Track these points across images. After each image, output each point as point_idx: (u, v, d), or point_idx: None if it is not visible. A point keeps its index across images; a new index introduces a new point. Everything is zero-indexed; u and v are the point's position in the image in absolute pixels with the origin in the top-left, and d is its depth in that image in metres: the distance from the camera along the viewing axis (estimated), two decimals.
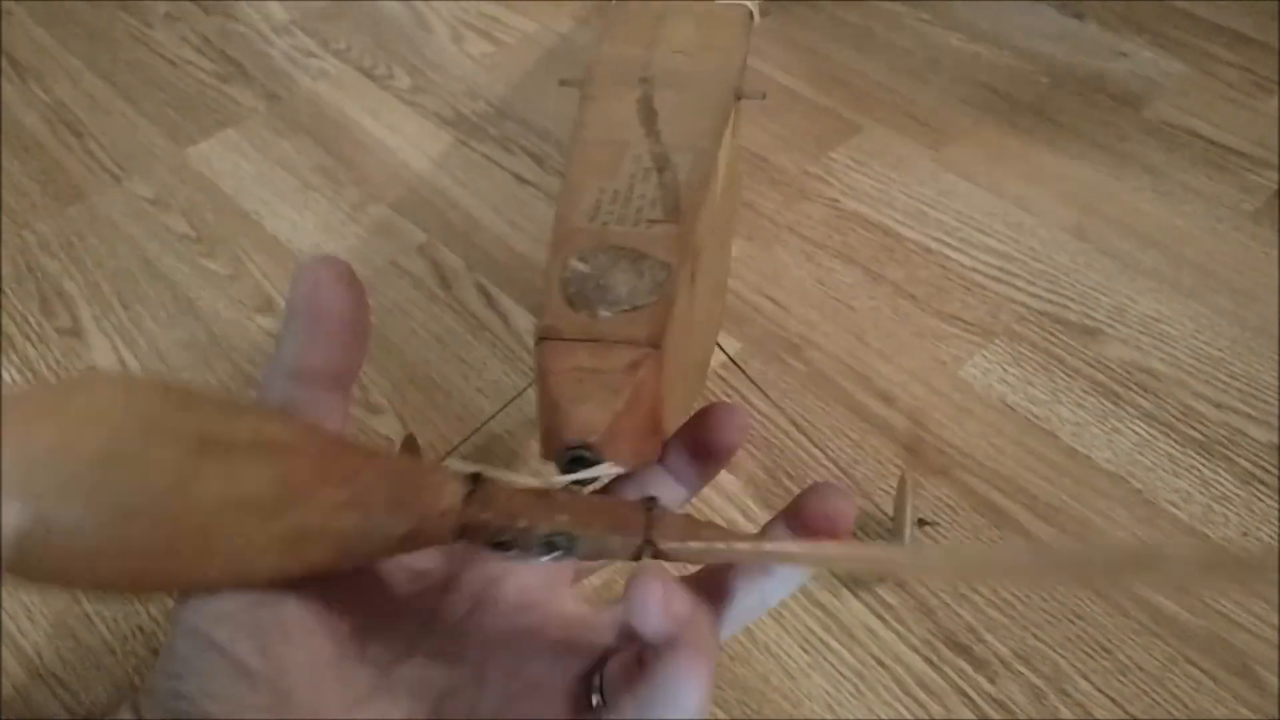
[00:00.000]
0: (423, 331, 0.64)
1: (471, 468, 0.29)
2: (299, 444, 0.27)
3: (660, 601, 0.26)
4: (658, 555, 0.28)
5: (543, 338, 0.33)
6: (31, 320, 0.64)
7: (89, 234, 0.70)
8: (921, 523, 0.53)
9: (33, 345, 0.63)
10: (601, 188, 0.39)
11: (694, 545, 0.28)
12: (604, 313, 0.33)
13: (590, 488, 0.30)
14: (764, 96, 0.50)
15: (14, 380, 0.61)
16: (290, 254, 0.68)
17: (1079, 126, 0.78)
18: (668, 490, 0.34)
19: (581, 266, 0.35)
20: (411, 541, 0.27)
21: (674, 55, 0.49)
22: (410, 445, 0.55)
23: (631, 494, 0.32)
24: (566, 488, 0.29)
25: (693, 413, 0.34)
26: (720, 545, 0.28)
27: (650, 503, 0.29)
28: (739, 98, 0.48)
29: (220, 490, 0.25)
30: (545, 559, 0.28)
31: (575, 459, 0.30)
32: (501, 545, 0.28)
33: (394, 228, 0.70)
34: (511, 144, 0.77)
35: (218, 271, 0.67)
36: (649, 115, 0.44)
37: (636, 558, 0.28)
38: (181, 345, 0.63)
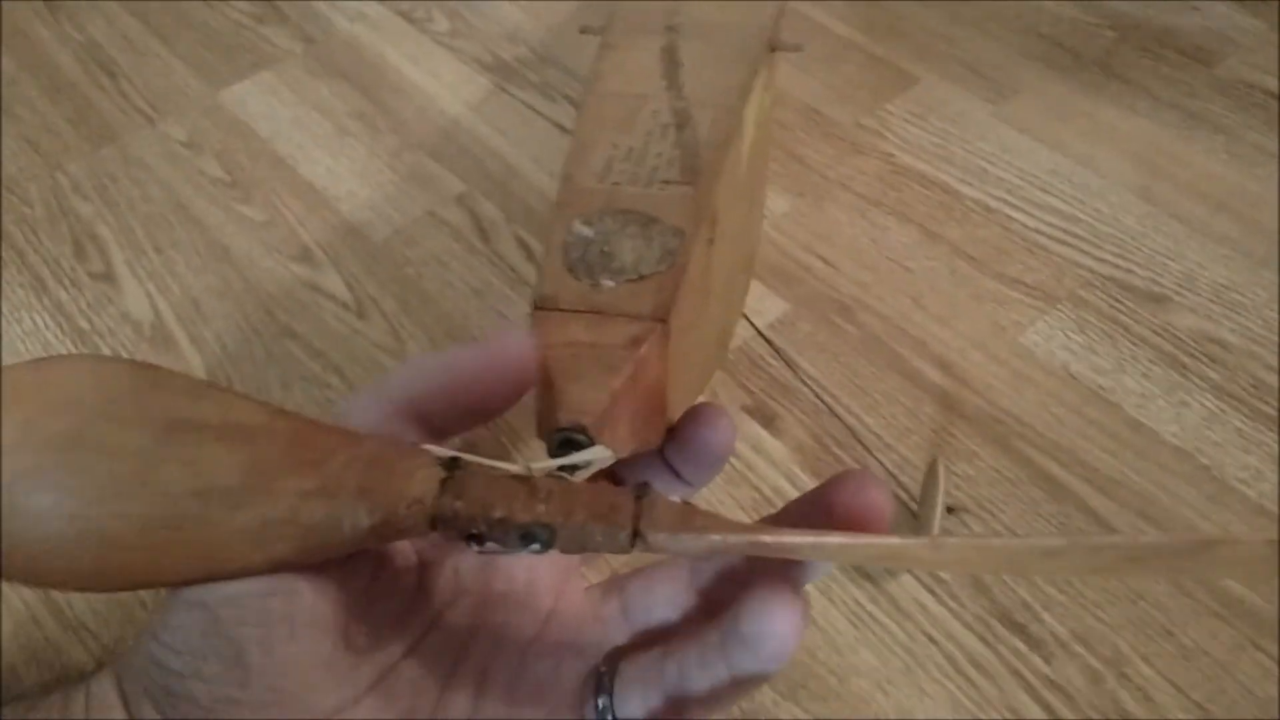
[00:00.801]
0: (460, 284, 0.62)
1: (450, 452, 0.26)
2: (269, 427, 0.25)
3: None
4: (646, 548, 0.25)
5: (537, 307, 0.30)
6: (64, 264, 0.63)
7: (121, 176, 0.68)
8: (951, 510, 0.51)
9: (65, 289, 0.61)
10: (614, 144, 0.37)
11: (686, 538, 0.25)
12: (607, 282, 0.31)
13: (582, 474, 0.27)
14: (800, 49, 0.46)
15: (46, 325, 0.59)
16: (325, 200, 0.66)
17: (1147, 83, 0.74)
18: (667, 487, 0.32)
19: (586, 230, 0.33)
20: (381, 533, 0.25)
21: (704, 2, 0.46)
22: None
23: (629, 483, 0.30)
24: (552, 474, 0.26)
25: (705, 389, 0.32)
26: (716, 538, 0.25)
27: (641, 490, 0.26)
28: (773, 49, 0.45)
29: (186, 477, 0.24)
30: (523, 551, 0.25)
31: (566, 442, 0.27)
32: (476, 537, 0.25)
33: (432, 177, 0.68)
34: (552, 91, 0.75)
35: (252, 217, 0.66)
36: (672, 66, 0.41)
37: (625, 550, 0.25)
38: (214, 292, 0.61)
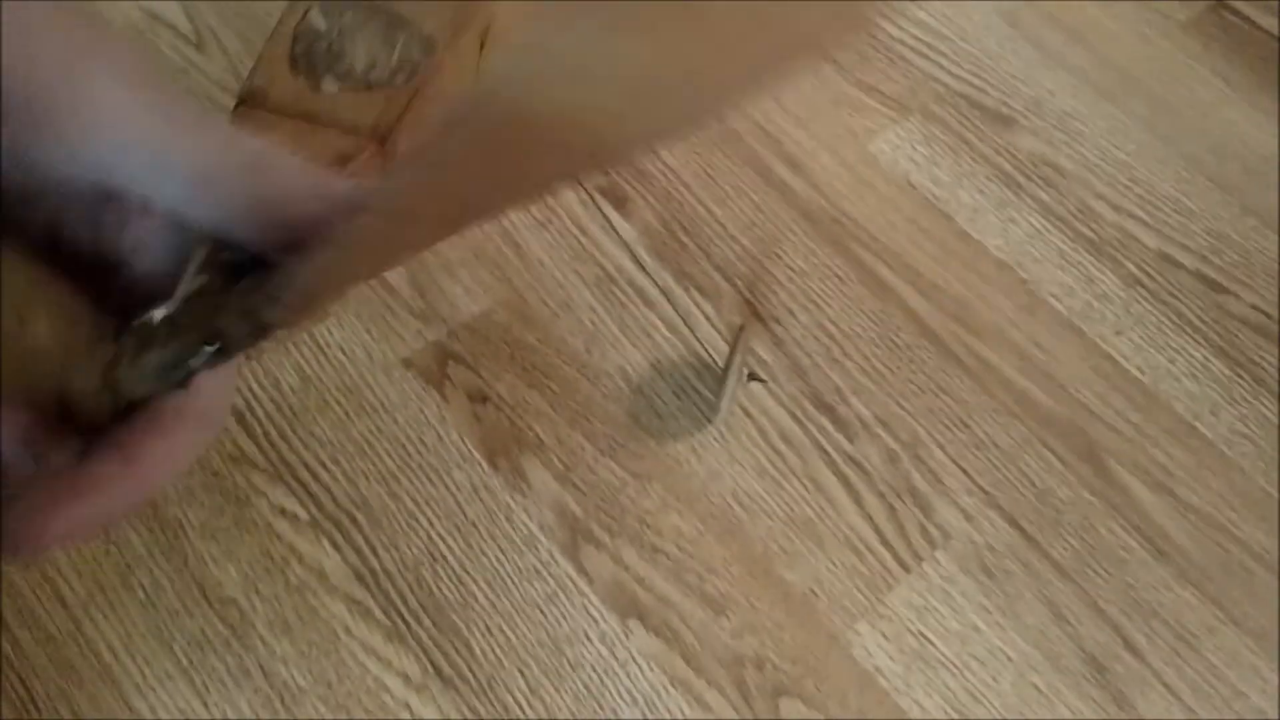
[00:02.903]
0: None
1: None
2: None
3: None
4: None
5: (241, 101, 0.28)
6: None
7: None
8: (752, 377, 0.52)
9: None
10: None
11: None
12: (329, 85, 0.28)
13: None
14: None
15: None
16: None
17: None
18: None
19: (319, 22, 0.30)
20: None
21: None
22: None
23: None
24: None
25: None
26: None
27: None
28: None
29: None
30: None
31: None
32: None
33: None
34: None
35: None
36: None
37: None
38: None
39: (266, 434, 0.47)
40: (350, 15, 0.30)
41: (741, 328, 0.51)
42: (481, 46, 0.33)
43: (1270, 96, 0.65)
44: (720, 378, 0.50)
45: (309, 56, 0.28)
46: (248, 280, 0.22)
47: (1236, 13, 0.69)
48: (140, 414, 0.22)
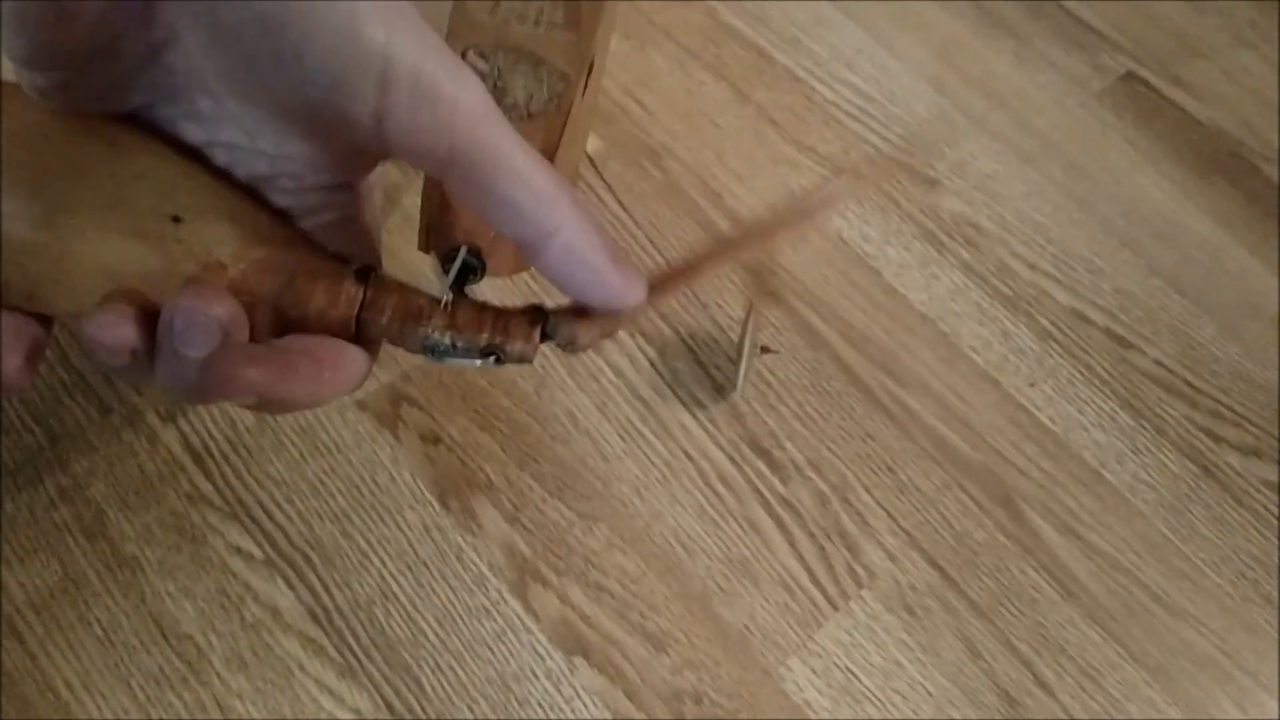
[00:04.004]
0: None
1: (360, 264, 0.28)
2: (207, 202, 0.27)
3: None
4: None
5: None
6: None
7: None
8: (764, 350, 0.56)
9: None
10: None
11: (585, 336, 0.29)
12: None
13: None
14: None
15: None
16: None
17: None
18: None
19: (480, 63, 0.34)
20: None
21: None
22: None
23: None
24: (452, 291, 0.28)
25: None
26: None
27: (538, 316, 0.28)
28: None
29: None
30: (447, 360, 0.28)
31: (453, 260, 0.29)
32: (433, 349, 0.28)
33: None
34: None
35: None
36: None
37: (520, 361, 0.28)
38: None
39: (223, 473, 0.49)
40: (501, 56, 0.34)
41: (751, 305, 0.55)
42: (585, 87, 0.37)
43: (1176, 164, 0.70)
44: (736, 355, 0.53)
45: None
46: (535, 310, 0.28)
47: (1146, 84, 0.74)
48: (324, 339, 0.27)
